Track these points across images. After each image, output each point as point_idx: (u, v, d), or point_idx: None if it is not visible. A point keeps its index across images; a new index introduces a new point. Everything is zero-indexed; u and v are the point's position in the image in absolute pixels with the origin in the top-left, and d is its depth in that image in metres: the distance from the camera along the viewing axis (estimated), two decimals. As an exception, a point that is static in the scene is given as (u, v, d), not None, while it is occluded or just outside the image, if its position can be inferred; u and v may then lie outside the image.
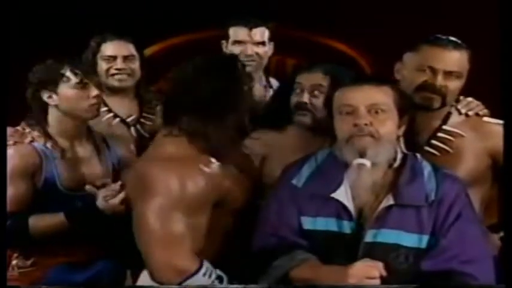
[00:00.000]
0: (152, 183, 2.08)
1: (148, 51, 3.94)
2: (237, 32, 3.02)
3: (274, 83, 3.19)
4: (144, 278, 2.19)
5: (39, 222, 2.43)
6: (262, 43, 3.03)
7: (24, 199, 2.46)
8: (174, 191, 2.06)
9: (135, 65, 3.04)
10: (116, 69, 2.99)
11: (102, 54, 3.00)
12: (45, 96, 2.51)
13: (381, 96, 2.10)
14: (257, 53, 3.01)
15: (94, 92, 2.51)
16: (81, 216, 2.42)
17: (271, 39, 3.08)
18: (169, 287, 2.10)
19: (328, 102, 2.18)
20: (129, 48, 3.03)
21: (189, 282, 2.10)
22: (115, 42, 3.02)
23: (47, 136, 2.51)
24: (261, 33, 3.03)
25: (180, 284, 2.09)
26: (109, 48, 3.01)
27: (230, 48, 3.02)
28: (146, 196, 2.08)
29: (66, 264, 2.50)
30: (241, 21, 3.02)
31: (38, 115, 2.53)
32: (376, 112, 2.07)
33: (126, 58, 3.00)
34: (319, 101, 2.46)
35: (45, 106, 2.53)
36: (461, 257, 2.02)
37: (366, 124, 2.05)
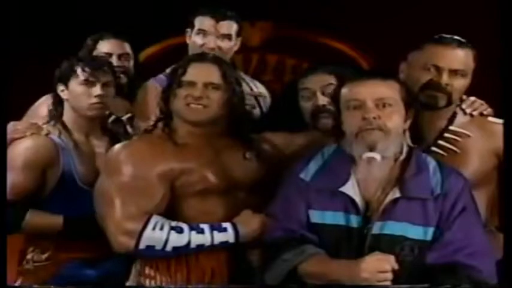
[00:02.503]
0: (116, 163, 2.24)
1: (147, 52, 3.94)
2: (202, 22, 2.83)
3: (245, 77, 3.02)
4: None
5: (36, 218, 2.48)
6: (228, 37, 2.83)
7: (28, 191, 2.48)
8: (130, 170, 2.21)
9: (130, 63, 3.05)
10: None
11: (99, 52, 3.00)
12: (59, 89, 2.58)
13: (387, 90, 2.11)
14: (220, 47, 2.80)
15: (97, 91, 2.54)
16: (79, 226, 2.46)
17: (238, 34, 2.88)
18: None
19: (335, 99, 2.20)
20: (124, 47, 3.04)
21: (144, 241, 2.16)
22: (111, 40, 3.02)
23: (62, 127, 2.56)
24: (228, 26, 2.83)
25: (136, 246, 2.16)
26: (105, 46, 3.01)
27: (193, 38, 2.84)
28: (110, 173, 2.26)
29: (79, 260, 2.52)
30: (208, 11, 2.83)
31: (56, 107, 2.60)
32: (384, 106, 2.09)
33: (121, 56, 3.01)
34: None
35: (61, 100, 2.60)
36: (466, 250, 2.04)
37: (374, 118, 2.06)
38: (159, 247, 2.17)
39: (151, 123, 2.40)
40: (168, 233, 2.18)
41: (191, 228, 2.20)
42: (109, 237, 2.20)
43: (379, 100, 2.08)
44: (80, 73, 2.54)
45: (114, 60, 2.96)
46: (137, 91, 2.93)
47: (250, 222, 2.24)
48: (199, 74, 2.30)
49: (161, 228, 2.17)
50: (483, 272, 2.03)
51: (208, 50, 2.72)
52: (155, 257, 2.22)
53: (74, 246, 2.50)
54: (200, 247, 2.21)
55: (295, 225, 2.14)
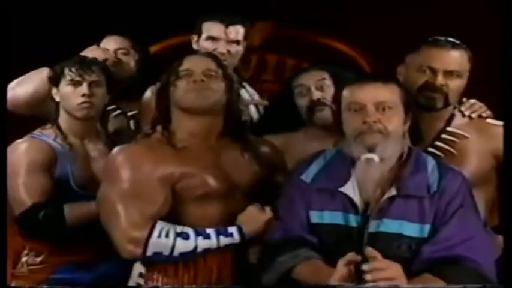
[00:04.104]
0: (115, 169, 2.21)
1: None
2: (211, 28, 2.88)
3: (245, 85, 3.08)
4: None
5: (72, 211, 2.45)
6: (237, 42, 2.89)
7: (50, 189, 2.47)
8: (130, 176, 2.19)
9: (127, 58, 3.03)
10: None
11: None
12: (53, 92, 2.59)
13: (388, 93, 2.14)
14: (229, 52, 2.85)
15: (83, 90, 2.53)
16: None
17: (245, 38, 2.93)
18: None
19: (336, 100, 2.24)
20: (121, 42, 3.03)
21: (151, 248, 2.15)
22: (111, 37, 3.04)
23: (58, 131, 2.55)
24: (237, 31, 2.89)
25: (143, 254, 2.15)
26: (105, 43, 3.02)
27: (202, 44, 2.88)
28: (110, 179, 2.22)
29: (74, 263, 2.52)
30: (217, 16, 2.89)
31: (54, 111, 2.59)
32: (384, 109, 2.11)
33: (117, 50, 2.99)
34: (329, 94, 2.58)
35: (56, 102, 2.59)
36: (466, 243, 2.05)
37: (374, 121, 2.09)
38: (166, 253, 2.17)
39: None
40: (174, 240, 2.17)
41: (197, 234, 2.20)
42: (115, 245, 2.18)
43: (379, 104, 2.11)
44: (67, 73, 2.54)
45: (109, 54, 2.95)
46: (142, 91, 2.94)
47: (255, 220, 2.24)
48: (197, 63, 2.32)
49: (167, 235, 2.17)
50: (482, 266, 2.04)
51: (219, 55, 2.73)
52: (164, 261, 2.22)
53: (68, 249, 2.50)
54: (207, 250, 2.21)
55: (296, 226, 2.17)
